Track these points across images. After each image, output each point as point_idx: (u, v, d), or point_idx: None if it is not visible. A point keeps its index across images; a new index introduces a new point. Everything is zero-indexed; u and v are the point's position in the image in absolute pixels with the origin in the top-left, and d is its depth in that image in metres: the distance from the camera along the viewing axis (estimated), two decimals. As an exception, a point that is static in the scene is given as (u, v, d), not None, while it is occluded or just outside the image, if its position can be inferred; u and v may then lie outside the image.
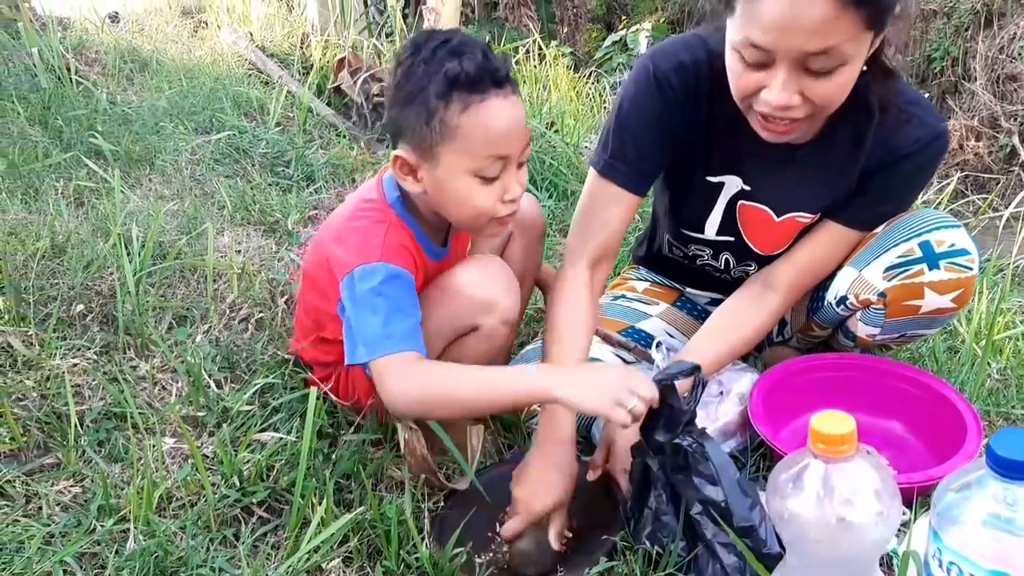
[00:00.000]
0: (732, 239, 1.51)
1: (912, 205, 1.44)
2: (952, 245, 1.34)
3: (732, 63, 1.21)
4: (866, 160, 1.36)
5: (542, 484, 1.26)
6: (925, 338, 1.70)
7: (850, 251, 1.43)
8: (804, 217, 1.44)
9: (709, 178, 1.45)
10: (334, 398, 1.41)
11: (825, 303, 1.47)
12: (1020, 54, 5.12)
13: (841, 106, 1.26)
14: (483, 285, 1.29)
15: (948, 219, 1.38)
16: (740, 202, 1.46)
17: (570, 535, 1.31)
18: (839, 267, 1.44)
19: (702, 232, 1.52)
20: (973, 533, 0.81)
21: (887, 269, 1.37)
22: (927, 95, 4.78)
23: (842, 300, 1.43)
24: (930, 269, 1.34)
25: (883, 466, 0.87)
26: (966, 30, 5.46)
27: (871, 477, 0.84)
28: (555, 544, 1.27)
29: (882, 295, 1.38)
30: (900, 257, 1.36)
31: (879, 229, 1.41)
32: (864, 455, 0.85)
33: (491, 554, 1.30)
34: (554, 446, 1.29)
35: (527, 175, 1.30)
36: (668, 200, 1.58)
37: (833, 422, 0.83)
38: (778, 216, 1.45)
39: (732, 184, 1.44)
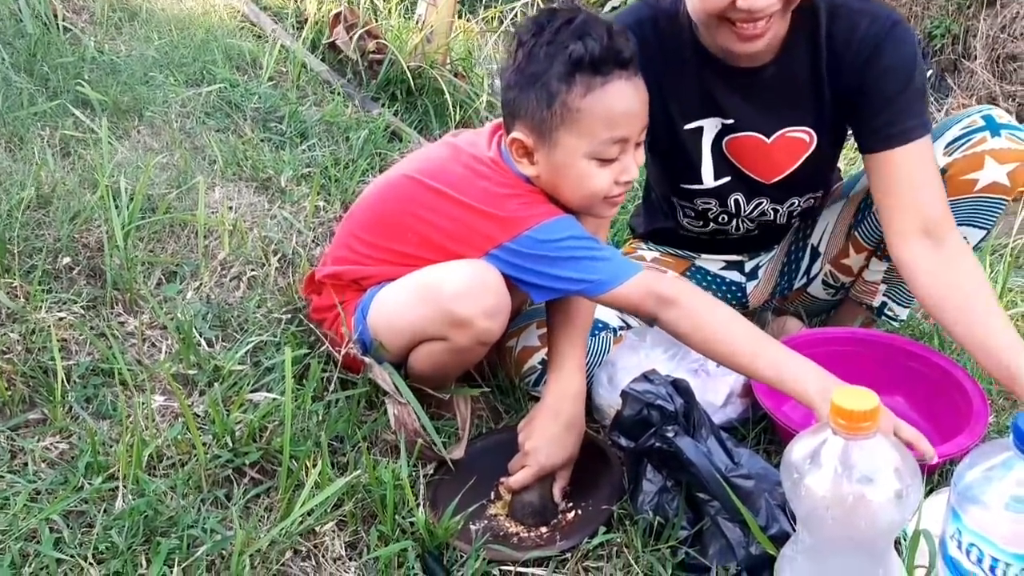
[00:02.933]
0: (731, 179, 1.50)
1: (926, 89, 1.43)
2: (1011, 121, 1.40)
3: None
4: (843, 74, 1.36)
5: (554, 438, 1.28)
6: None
7: (929, 158, 1.37)
8: (797, 132, 1.44)
9: (687, 126, 1.46)
10: (346, 328, 1.38)
11: (872, 209, 1.48)
12: (1022, 34, 5.09)
13: (790, 19, 1.31)
14: (464, 301, 1.23)
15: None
16: (727, 138, 1.46)
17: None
18: None
19: (701, 182, 1.51)
20: (996, 515, 0.79)
21: (949, 144, 1.41)
22: (928, 72, 4.75)
23: None
24: (993, 136, 1.37)
25: (902, 444, 0.85)
26: (968, 8, 5.41)
27: (891, 455, 0.82)
28: (558, 498, 1.29)
29: (943, 171, 1.39)
30: (963, 129, 1.40)
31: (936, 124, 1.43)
32: (883, 432, 0.83)
33: (485, 521, 1.28)
34: (565, 400, 1.30)
35: (643, 155, 1.29)
36: (658, 163, 1.58)
37: (856, 398, 0.80)
38: (769, 137, 1.45)
39: (710, 126, 1.45)
